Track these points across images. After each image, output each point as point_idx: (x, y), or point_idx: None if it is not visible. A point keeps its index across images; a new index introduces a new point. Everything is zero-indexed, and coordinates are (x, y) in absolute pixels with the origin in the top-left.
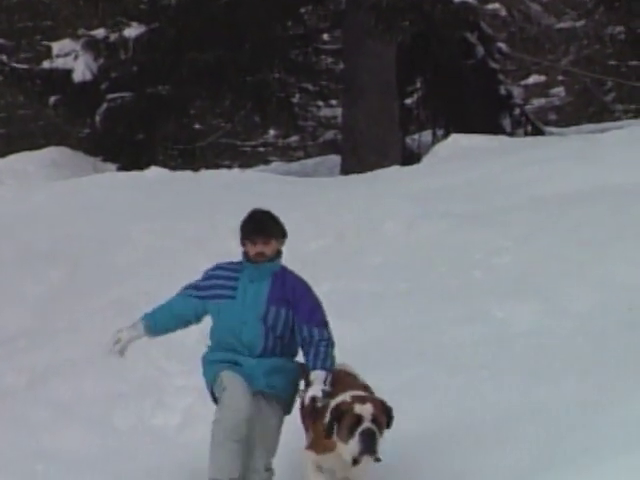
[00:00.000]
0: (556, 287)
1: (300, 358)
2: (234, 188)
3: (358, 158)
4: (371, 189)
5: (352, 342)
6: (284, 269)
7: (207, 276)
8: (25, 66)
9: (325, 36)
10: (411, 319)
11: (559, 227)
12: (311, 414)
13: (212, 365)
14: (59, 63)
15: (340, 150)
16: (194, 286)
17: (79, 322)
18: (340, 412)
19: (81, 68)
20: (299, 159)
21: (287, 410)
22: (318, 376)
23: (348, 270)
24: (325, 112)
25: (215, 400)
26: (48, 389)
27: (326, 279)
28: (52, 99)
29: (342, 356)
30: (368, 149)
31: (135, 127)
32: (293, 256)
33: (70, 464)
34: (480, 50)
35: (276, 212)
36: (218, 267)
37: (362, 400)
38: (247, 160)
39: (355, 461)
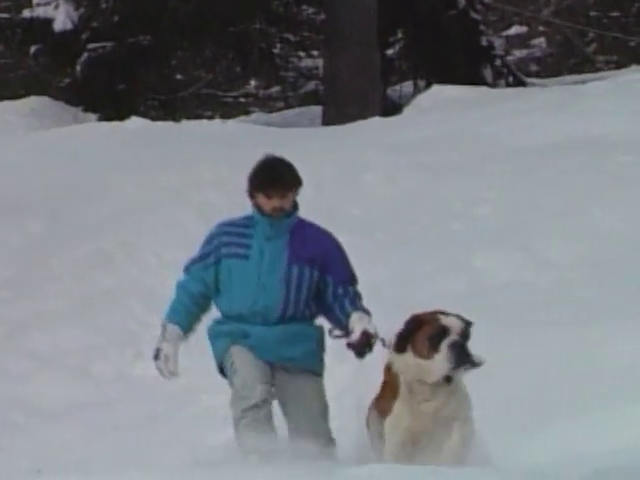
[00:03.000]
0: (536, 238)
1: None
2: (215, 139)
3: (339, 109)
4: (352, 140)
5: None
6: (301, 221)
7: (210, 238)
8: (5, 15)
9: None
10: (390, 271)
11: (540, 178)
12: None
13: (220, 339)
14: (39, 12)
15: (321, 101)
16: (198, 258)
17: (58, 273)
18: (419, 322)
19: (62, 17)
20: (280, 110)
21: (321, 373)
22: (363, 315)
23: (327, 221)
24: (306, 63)
25: (223, 374)
26: (27, 340)
27: None
28: (32, 48)
29: None
30: (349, 100)
31: (116, 77)
32: None
33: (50, 414)
34: (461, 1)
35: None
36: (223, 224)
37: (445, 314)
38: (228, 111)
39: (448, 378)
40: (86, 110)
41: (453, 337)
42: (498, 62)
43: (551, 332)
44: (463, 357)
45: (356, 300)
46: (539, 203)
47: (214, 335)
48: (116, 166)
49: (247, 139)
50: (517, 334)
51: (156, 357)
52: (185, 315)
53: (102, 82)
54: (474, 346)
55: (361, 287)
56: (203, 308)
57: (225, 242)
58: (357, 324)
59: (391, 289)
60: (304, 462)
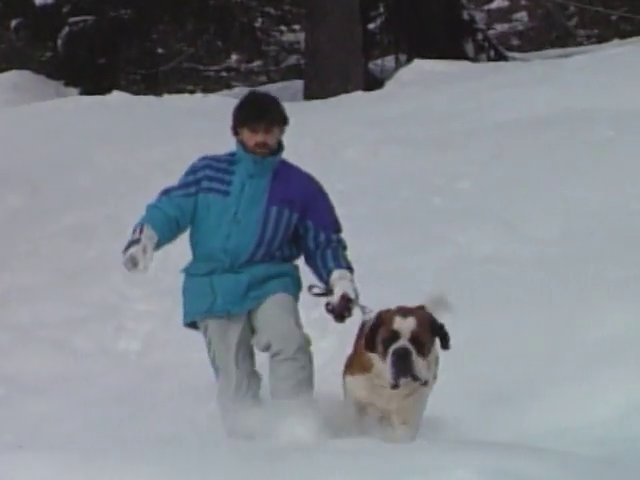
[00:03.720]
0: (517, 213)
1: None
2: (197, 113)
3: (321, 83)
4: (333, 114)
5: None
6: (285, 163)
7: (192, 170)
8: None
9: None
10: (371, 245)
11: (521, 152)
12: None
13: (188, 295)
14: None
15: (303, 75)
16: (179, 186)
17: (39, 246)
18: (380, 321)
19: None
20: (262, 84)
21: (295, 294)
22: (344, 274)
23: None
24: (288, 37)
25: (189, 327)
26: (8, 313)
27: None
28: (13, 22)
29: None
30: (331, 74)
31: (97, 51)
32: None
33: (31, 388)
34: None
35: None
36: (207, 158)
37: (405, 313)
38: (210, 85)
39: (394, 386)
40: (68, 84)
41: (399, 344)
42: (480, 36)
43: (532, 306)
44: (402, 367)
45: (339, 252)
46: (520, 177)
47: (184, 289)
48: (98, 140)
49: (229, 113)
50: (498, 308)
51: (134, 243)
52: (159, 227)
53: (83, 56)
54: (455, 320)
55: None
56: (172, 233)
57: (208, 175)
58: (338, 285)
59: (372, 262)
60: (287, 438)
